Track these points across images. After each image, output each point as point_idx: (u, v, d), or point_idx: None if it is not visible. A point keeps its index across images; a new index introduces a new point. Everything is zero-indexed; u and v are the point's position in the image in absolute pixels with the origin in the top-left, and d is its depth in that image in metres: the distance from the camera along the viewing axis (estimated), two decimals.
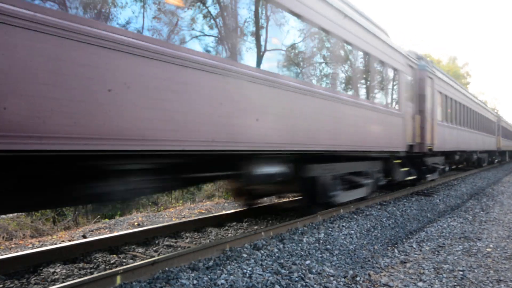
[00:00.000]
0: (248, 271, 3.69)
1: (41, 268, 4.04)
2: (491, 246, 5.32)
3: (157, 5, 3.73)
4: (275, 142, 4.94)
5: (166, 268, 3.68)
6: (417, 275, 4.11)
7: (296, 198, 7.07)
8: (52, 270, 3.99)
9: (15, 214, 7.51)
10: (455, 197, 10.69)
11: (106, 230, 6.42)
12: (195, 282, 3.33)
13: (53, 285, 3.53)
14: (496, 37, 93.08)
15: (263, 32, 5.12)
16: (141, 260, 4.26)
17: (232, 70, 4.32)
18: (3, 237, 6.16)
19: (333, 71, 6.44)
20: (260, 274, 3.63)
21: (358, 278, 3.77)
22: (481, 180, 15.52)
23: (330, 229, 5.77)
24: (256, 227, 6.36)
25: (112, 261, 4.39)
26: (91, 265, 4.25)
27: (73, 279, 3.61)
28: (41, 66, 2.71)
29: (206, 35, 4.34)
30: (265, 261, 4.09)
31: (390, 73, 8.62)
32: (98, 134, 3.04)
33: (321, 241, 5.13)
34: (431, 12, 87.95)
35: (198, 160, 4.34)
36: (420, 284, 3.82)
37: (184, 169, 4.39)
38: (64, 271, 4.01)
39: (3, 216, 7.21)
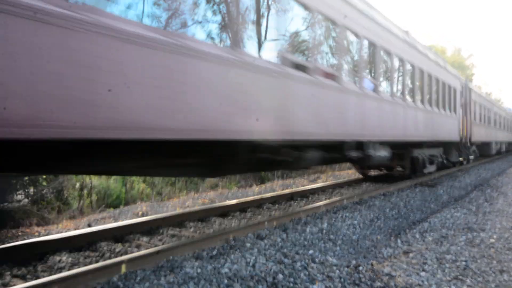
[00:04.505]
0: (252, 260, 3.72)
1: (48, 256, 4.10)
2: (494, 237, 5.32)
3: None
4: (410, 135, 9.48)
5: (171, 257, 3.72)
6: (420, 265, 4.13)
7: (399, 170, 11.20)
8: (58, 258, 4.05)
9: (21, 203, 7.60)
10: (459, 188, 10.66)
11: (111, 220, 6.49)
12: (199, 270, 3.37)
13: (60, 272, 3.59)
14: (501, 26, 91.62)
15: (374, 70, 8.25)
16: (146, 249, 4.31)
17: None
18: (9, 226, 6.23)
19: (430, 96, 11.18)
20: (263, 263, 3.66)
21: (360, 268, 3.79)
22: (485, 171, 15.45)
23: (334, 219, 5.79)
24: (259, 217, 6.40)
25: (117, 250, 4.44)
26: (97, 254, 4.30)
27: (79, 267, 3.66)
28: None
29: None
30: (268, 250, 4.12)
31: (452, 91, 13.43)
32: None
33: (324, 231, 5.15)
34: (436, 2, 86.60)
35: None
36: (422, 274, 3.83)
37: None
38: (70, 259, 4.06)
39: (9, 205, 7.29)
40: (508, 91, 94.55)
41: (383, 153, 8.10)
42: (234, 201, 7.28)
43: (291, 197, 8.22)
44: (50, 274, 3.64)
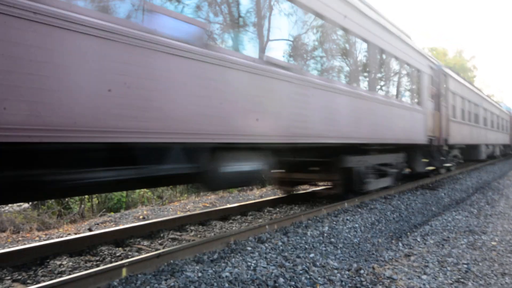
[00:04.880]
0: (253, 264, 3.71)
1: (48, 260, 4.09)
2: (496, 239, 5.30)
3: None
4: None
5: (171, 261, 3.71)
6: (421, 268, 4.11)
7: (329, 186, 7.98)
8: (59, 263, 4.05)
9: (22, 207, 7.60)
10: (460, 190, 10.65)
11: (111, 224, 6.48)
12: (199, 274, 3.36)
13: (60, 277, 3.58)
14: (501, 26, 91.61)
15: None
16: (147, 253, 4.30)
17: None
18: (10, 230, 6.23)
19: (371, 76, 7.53)
20: (264, 267, 3.65)
21: (362, 271, 3.78)
22: (486, 174, 15.43)
23: (334, 222, 5.77)
24: (260, 220, 6.39)
25: (117, 254, 4.44)
26: (97, 258, 4.30)
27: (80, 271, 3.65)
28: None
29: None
30: (269, 254, 4.11)
31: (415, 75, 9.77)
32: None
33: (325, 235, 5.14)
34: (437, 3, 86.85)
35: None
36: (424, 277, 3.82)
37: None
38: (71, 263, 4.05)
39: (10, 209, 7.29)
40: (509, 92, 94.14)
41: (237, 166, 4.70)
42: (235, 205, 7.27)
43: (291, 200, 8.21)
44: (51, 279, 3.63)
